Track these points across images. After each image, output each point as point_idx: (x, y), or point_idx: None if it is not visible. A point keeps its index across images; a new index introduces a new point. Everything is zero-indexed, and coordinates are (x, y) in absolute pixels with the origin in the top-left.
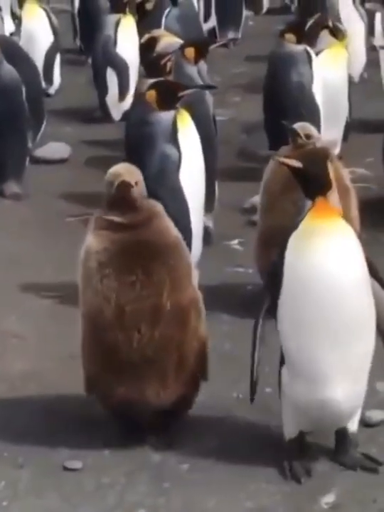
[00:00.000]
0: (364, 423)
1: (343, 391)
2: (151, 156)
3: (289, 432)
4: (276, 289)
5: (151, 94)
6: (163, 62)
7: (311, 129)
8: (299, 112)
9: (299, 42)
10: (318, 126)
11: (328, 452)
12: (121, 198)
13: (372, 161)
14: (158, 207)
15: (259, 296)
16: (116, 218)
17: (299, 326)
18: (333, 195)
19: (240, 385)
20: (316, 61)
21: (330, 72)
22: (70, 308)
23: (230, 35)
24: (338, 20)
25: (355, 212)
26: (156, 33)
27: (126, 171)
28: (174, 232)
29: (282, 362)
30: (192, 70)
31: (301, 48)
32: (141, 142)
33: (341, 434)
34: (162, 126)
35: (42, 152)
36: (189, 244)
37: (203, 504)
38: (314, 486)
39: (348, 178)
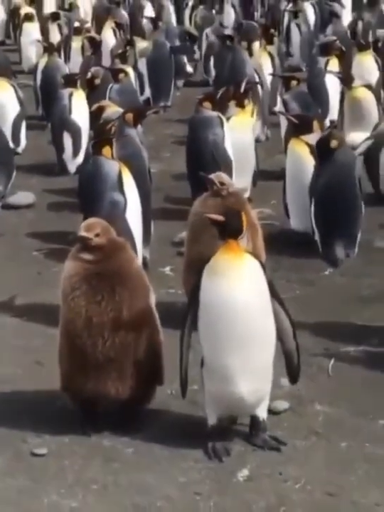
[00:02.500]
0: (271, 411)
1: (246, 388)
2: (102, 203)
3: (210, 419)
4: (195, 308)
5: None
6: (108, 127)
7: (225, 178)
8: (214, 164)
9: (213, 109)
10: (230, 175)
11: (244, 435)
12: (83, 246)
13: (275, 202)
14: (123, 243)
15: (185, 313)
16: (85, 256)
17: (211, 337)
18: (243, 237)
19: (173, 384)
20: (226, 124)
21: (239, 134)
22: (35, 325)
23: (162, 103)
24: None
25: (261, 243)
26: (102, 103)
27: (87, 226)
28: (135, 263)
29: (202, 363)
30: (132, 131)
31: (214, 113)
32: (92, 191)
33: (254, 420)
34: (110, 178)
35: (12, 199)
36: None
37: (144, 480)
38: (232, 463)
39: (256, 216)
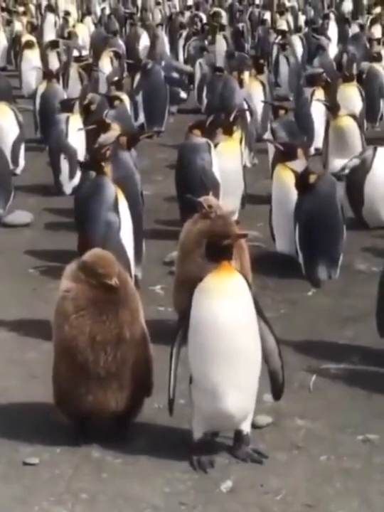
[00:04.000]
0: (254, 425)
1: (233, 404)
2: (98, 222)
3: (196, 433)
4: (186, 326)
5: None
6: (103, 150)
7: (213, 201)
8: (203, 188)
9: (202, 135)
10: (217, 197)
11: (227, 448)
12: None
13: (262, 225)
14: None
15: (175, 330)
16: (90, 280)
17: (200, 355)
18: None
19: (160, 397)
20: (214, 150)
21: (226, 160)
22: (30, 340)
23: (155, 128)
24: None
25: (247, 264)
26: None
27: (104, 264)
28: (131, 283)
29: (191, 380)
30: (125, 155)
31: (203, 140)
32: (89, 211)
33: (238, 434)
34: (106, 199)
35: (10, 218)
36: None
37: (131, 490)
38: (216, 475)
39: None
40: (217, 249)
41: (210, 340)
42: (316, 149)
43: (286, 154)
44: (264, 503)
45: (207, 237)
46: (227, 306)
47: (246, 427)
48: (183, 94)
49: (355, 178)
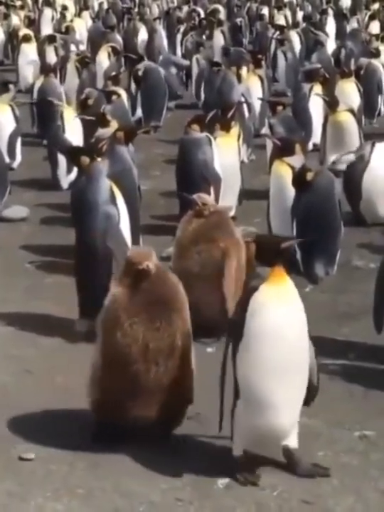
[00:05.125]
0: None
1: (286, 419)
2: (97, 215)
3: (236, 450)
4: (238, 338)
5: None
6: (100, 145)
7: (206, 198)
8: (204, 183)
9: (201, 130)
10: (219, 192)
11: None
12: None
13: (259, 221)
14: (164, 269)
15: (226, 343)
16: (137, 283)
17: (259, 367)
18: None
19: None
20: (215, 144)
21: (223, 155)
22: (26, 335)
23: (153, 123)
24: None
25: (243, 260)
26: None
27: (138, 256)
28: (180, 286)
29: (237, 396)
30: (123, 149)
31: (203, 134)
32: (87, 204)
33: (287, 451)
34: (104, 191)
35: (7, 212)
36: None
37: (128, 486)
38: (213, 472)
39: (240, 234)
40: (273, 252)
41: (271, 352)
42: (314, 145)
43: (283, 150)
44: (261, 500)
45: (258, 240)
46: (288, 316)
47: (293, 442)
48: (181, 91)
49: (353, 174)
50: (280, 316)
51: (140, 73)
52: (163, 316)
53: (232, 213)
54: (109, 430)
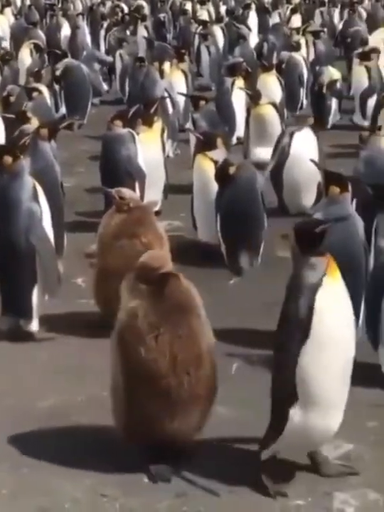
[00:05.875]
0: None
1: (338, 420)
2: (19, 212)
3: (265, 454)
4: (304, 338)
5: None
6: (22, 141)
7: (126, 192)
8: (129, 179)
9: (124, 126)
10: (143, 188)
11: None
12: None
13: (184, 215)
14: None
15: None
16: (151, 289)
17: (328, 368)
18: None
19: (85, 390)
20: (139, 140)
21: (146, 151)
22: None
23: (77, 120)
24: None
25: (166, 254)
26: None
27: (153, 259)
28: (193, 287)
29: (289, 402)
30: (45, 146)
31: (126, 130)
32: (9, 201)
33: (315, 453)
34: (25, 189)
35: None
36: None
37: (52, 484)
38: (138, 467)
39: (163, 228)
40: (312, 238)
41: (342, 353)
42: (238, 138)
43: (205, 144)
44: (183, 491)
45: (296, 229)
46: (350, 313)
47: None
48: (105, 87)
49: (276, 165)
50: (347, 314)
51: (58, 73)
52: (185, 322)
53: (157, 208)
54: (149, 450)
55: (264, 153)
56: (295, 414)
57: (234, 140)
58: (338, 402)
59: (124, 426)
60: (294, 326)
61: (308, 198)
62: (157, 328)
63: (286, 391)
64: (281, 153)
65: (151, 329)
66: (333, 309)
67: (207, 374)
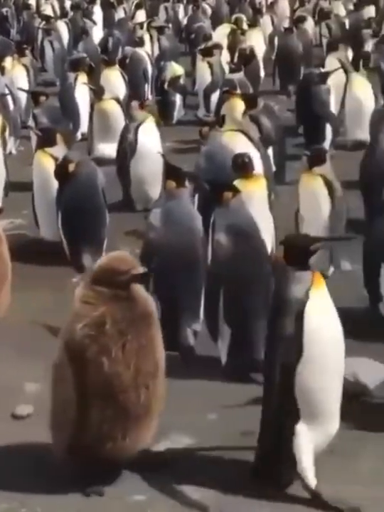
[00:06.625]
0: (14, 416)
1: (338, 423)
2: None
3: (312, 480)
4: (298, 352)
5: None
6: None
7: None
8: None
9: None
10: None
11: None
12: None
13: (27, 212)
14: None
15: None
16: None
17: (323, 380)
18: None
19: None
20: None
21: None
22: None
23: None
24: None
25: (5, 255)
26: None
27: (119, 260)
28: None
29: (293, 421)
30: None
31: None
32: None
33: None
34: None
35: None
36: None
37: None
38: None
39: (2, 227)
40: (304, 254)
41: (335, 361)
42: (83, 134)
43: (45, 140)
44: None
45: (287, 243)
46: (337, 319)
47: None
48: None
49: (122, 160)
50: (335, 323)
51: None
52: (148, 331)
53: None
54: (95, 470)
55: (108, 149)
56: (301, 434)
57: (78, 136)
58: (335, 408)
59: (69, 445)
60: (288, 345)
61: (155, 192)
62: (125, 336)
63: (287, 411)
64: (129, 148)
65: (121, 337)
66: (326, 322)
67: (161, 387)
